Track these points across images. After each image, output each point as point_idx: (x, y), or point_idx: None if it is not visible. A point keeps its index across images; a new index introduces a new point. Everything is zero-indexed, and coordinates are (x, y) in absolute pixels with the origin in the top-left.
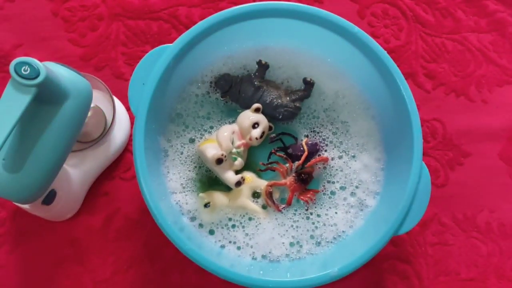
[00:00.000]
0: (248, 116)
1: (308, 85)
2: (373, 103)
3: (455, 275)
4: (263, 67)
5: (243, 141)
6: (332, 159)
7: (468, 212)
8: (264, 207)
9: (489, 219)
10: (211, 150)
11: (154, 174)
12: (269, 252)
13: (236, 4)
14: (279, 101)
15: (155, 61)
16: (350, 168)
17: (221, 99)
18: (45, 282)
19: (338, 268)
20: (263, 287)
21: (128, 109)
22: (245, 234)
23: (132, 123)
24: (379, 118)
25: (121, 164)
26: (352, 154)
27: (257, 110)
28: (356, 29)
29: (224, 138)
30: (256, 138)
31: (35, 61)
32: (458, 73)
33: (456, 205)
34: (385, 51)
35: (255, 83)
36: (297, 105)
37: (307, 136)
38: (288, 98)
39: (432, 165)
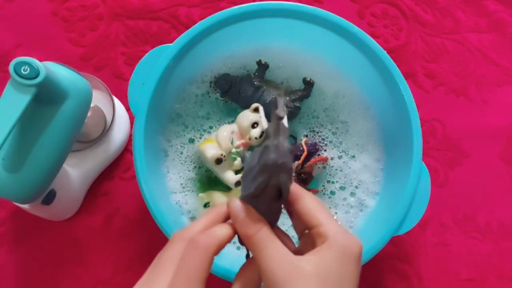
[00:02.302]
0: (247, 116)
1: (308, 85)
2: (373, 103)
3: (455, 275)
4: (263, 67)
5: (243, 141)
6: (332, 159)
7: (468, 212)
8: None
9: (489, 219)
10: (211, 150)
11: (154, 174)
12: None
13: (235, 4)
14: None
15: (155, 61)
16: (349, 168)
17: (221, 99)
18: (45, 282)
19: None
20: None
21: (128, 109)
22: None
23: (131, 123)
24: (379, 118)
25: (121, 164)
26: (352, 154)
27: (256, 110)
28: (356, 29)
29: (223, 138)
30: (256, 138)
31: (34, 61)
32: (458, 73)
33: (456, 205)
34: (385, 51)
35: (255, 83)
36: (297, 104)
37: (306, 136)
38: (287, 98)
39: (431, 165)
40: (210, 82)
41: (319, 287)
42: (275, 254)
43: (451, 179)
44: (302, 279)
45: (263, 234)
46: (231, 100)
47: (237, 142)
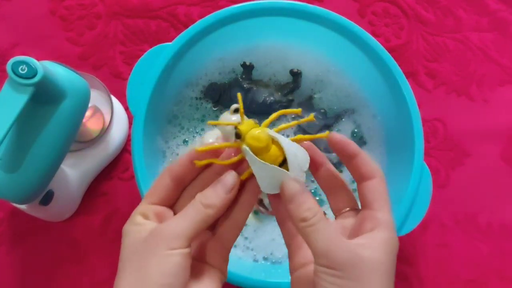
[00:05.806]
0: (229, 119)
1: (296, 76)
2: (374, 102)
3: (455, 276)
4: (248, 68)
5: None
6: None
7: (469, 213)
8: (256, 213)
9: (490, 220)
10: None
11: (153, 174)
12: (271, 254)
13: (234, 2)
14: (272, 98)
15: (154, 60)
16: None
17: (214, 109)
18: (43, 283)
19: None
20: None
21: (126, 108)
22: (244, 238)
23: (130, 122)
24: (380, 117)
25: (119, 164)
26: None
27: (236, 111)
28: (356, 28)
29: None
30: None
31: (32, 60)
32: (459, 72)
33: (457, 206)
34: (386, 50)
35: (244, 85)
36: (290, 98)
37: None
38: (279, 93)
39: (433, 165)
40: (202, 89)
41: (381, 274)
42: (333, 237)
43: (453, 179)
44: (363, 264)
45: (320, 216)
46: (224, 107)
47: None
